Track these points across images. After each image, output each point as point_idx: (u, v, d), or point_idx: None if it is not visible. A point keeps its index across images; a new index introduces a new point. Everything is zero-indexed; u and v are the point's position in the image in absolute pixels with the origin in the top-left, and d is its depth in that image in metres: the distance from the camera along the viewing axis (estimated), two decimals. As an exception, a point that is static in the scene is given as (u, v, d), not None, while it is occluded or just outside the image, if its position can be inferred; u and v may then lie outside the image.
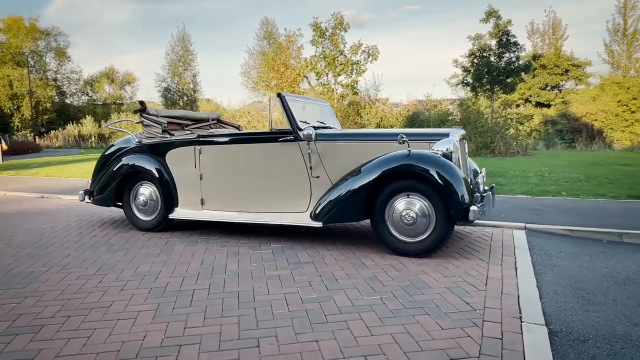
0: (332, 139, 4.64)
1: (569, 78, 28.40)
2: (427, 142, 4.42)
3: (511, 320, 2.84)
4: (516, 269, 3.87)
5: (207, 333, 2.70)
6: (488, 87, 15.66)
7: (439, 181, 3.96)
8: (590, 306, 3.11)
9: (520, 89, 25.91)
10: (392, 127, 15.60)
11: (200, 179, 5.03)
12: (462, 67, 16.35)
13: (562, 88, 28.76)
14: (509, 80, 15.13)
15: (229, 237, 5.00)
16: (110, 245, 4.74)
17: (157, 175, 5.15)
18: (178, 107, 27.69)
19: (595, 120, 22.27)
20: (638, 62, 27.04)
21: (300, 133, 4.58)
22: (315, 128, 4.66)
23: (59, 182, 10.37)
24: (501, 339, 2.59)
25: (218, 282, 3.59)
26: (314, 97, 5.32)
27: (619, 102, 22.59)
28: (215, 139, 4.99)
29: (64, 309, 3.09)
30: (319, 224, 4.44)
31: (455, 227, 5.12)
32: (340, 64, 17.04)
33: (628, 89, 22.46)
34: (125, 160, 5.34)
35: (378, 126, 15.96)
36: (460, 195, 3.92)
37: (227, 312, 2.99)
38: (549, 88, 28.66)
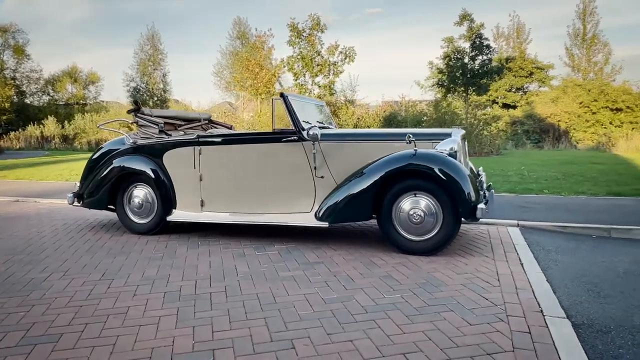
0: (338, 139, 4.65)
1: (533, 80, 29.44)
2: (430, 142, 4.49)
3: (533, 314, 2.92)
4: (522, 264, 3.98)
5: (237, 336, 2.66)
6: (462, 88, 16.08)
7: (447, 180, 4.03)
8: (601, 299, 3.23)
9: (488, 90, 26.64)
10: (369, 127, 15.79)
11: (200, 180, 4.93)
12: (438, 68, 16.69)
13: (526, 90, 29.76)
14: (483, 81, 15.58)
15: (229, 239, 4.93)
16: (107, 250, 4.59)
17: (153, 176, 5.02)
18: (148, 107, 26.97)
19: (559, 120, 23.17)
20: (597, 66, 28.34)
21: (306, 133, 4.58)
22: (320, 128, 4.66)
23: (33, 185, 9.94)
24: (529, 333, 2.66)
25: (233, 284, 3.53)
26: (310, 97, 5.31)
27: (580, 103, 23.57)
28: (216, 139, 4.91)
29: (79, 316, 2.97)
30: (325, 224, 4.44)
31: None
32: (318, 65, 17.08)
33: (589, 91, 23.48)
34: (119, 162, 5.17)
35: (355, 127, 16.11)
36: (468, 194, 4.01)
37: (252, 315, 2.95)
38: (514, 90, 29.62)
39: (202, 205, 4.96)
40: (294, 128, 4.66)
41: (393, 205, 4.24)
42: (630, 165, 11.36)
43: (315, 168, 4.61)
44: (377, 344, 2.54)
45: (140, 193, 5.15)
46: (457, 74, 15.43)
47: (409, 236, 4.23)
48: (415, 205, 4.17)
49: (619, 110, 22.52)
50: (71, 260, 4.23)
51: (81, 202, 5.50)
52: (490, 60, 15.67)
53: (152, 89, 27.71)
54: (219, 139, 4.91)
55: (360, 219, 4.46)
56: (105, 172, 5.20)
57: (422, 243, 4.20)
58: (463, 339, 2.59)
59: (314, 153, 4.57)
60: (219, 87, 26.29)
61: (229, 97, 26.56)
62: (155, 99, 28.06)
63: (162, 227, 5.11)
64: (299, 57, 17.14)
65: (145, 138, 5.18)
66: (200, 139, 4.92)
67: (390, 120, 16.51)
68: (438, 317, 2.88)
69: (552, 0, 48.80)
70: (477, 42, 15.56)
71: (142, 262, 4.16)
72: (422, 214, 4.14)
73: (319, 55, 17.14)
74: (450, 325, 2.76)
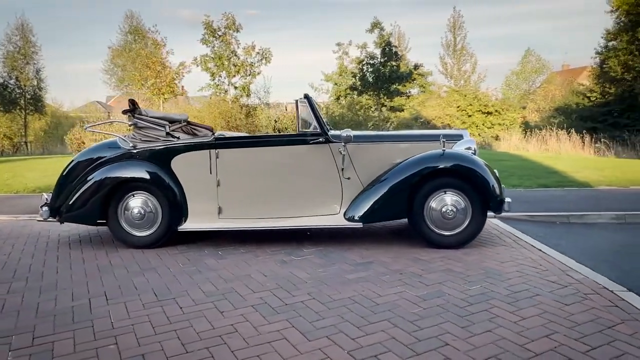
0: (366, 140, 4.72)
1: (414, 86, 32.13)
2: (447, 142, 4.80)
3: (602, 290, 3.35)
4: (540, 250, 4.48)
5: (383, 340, 2.63)
6: (375, 92, 17.01)
7: (477, 177, 4.38)
8: (629, 272, 3.83)
9: (400, 94, 28.10)
10: (286, 129, 15.86)
11: (218, 185, 4.61)
12: (352, 72, 17.43)
13: (409, 94, 32.39)
14: (394, 87, 16.67)
15: (245, 245, 4.69)
16: (124, 268, 4.06)
17: (159, 184, 4.57)
18: (18, 107, 23.50)
19: (442, 123, 25.69)
20: (466, 74, 32.00)
21: (334, 135, 4.59)
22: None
23: None
24: (616, 306, 3.07)
25: (312, 290, 3.43)
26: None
27: (458, 107, 26.40)
28: (236, 142, 4.63)
29: (188, 341, 2.66)
30: (359, 224, 4.49)
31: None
32: (234, 65, 16.60)
33: (465, 96, 26.44)
34: (116, 169, 4.59)
35: (274, 129, 16.03)
36: (495, 189, 4.40)
37: (373, 318, 2.93)
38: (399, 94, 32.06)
39: (219, 213, 4.64)
40: (319, 130, 4.63)
41: (425, 202, 4.46)
42: (531, 161, 13.09)
43: (342, 169, 4.63)
44: (515, 330, 2.73)
45: (140, 202, 4.64)
46: (369, 79, 16.31)
47: (439, 231, 4.49)
48: (447, 202, 4.44)
49: (489, 113, 25.73)
50: (95, 283, 3.68)
51: (59, 217, 4.76)
52: (398, 66, 16.87)
53: (24, 85, 24.14)
54: (239, 142, 4.65)
55: (394, 218, 4.61)
56: (96, 181, 4.57)
57: (452, 237, 4.48)
58: (576, 317, 2.90)
59: (343, 155, 4.59)
60: (109, 85, 24.01)
61: (121, 95, 24.38)
62: (29, 96, 24.56)
63: (167, 239, 4.68)
64: (212, 56, 16.48)
65: (147, 141, 4.67)
66: (218, 142, 4.61)
67: (310, 122, 16.72)
68: (536, 301, 3.16)
69: (428, 14, 54.26)
70: (387, 49, 16.64)
71: (183, 277, 3.79)
72: (455, 210, 4.43)
73: (234, 55, 16.71)
74: (555, 308, 3.05)
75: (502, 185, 4.84)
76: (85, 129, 5.19)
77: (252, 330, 2.80)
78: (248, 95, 17.07)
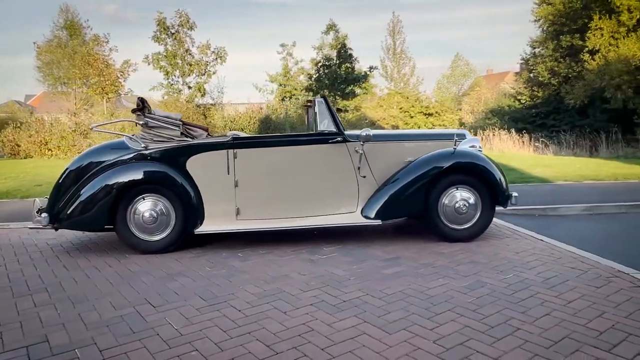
0: (381, 139, 4.82)
1: (357, 87, 32.81)
2: (450, 141, 5.04)
3: (619, 273, 3.70)
4: (541, 240, 4.83)
5: (459, 328, 2.75)
6: (331, 93, 17.18)
7: (488, 174, 4.65)
8: (630, 256, 4.24)
9: (356, 96, 28.33)
10: (242, 130, 15.56)
11: (236, 186, 4.51)
12: (308, 74, 17.48)
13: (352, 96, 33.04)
14: (350, 88, 16.94)
15: (265, 246, 4.63)
16: (148, 274, 3.88)
17: (174, 185, 4.39)
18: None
19: (387, 124, 26.50)
20: (405, 77, 33.20)
21: (350, 134, 4.65)
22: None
23: None
24: (638, 287, 3.42)
25: (362, 286, 3.47)
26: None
27: (400, 109, 27.35)
28: (255, 142, 4.55)
29: (271, 343, 2.62)
30: (377, 222, 4.60)
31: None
32: (189, 64, 16.00)
33: (407, 98, 27.45)
34: (129, 170, 4.35)
35: (229, 129, 15.66)
36: (503, 185, 4.69)
37: (440, 308, 3.04)
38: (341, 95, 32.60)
39: (237, 214, 4.54)
40: (335, 129, 4.68)
41: (439, 198, 4.66)
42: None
43: (359, 168, 4.71)
44: (569, 312, 2.96)
45: (151, 206, 4.43)
46: (325, 81, 16.47)
47: (452, 225, 4.70)
48: (460, 197, 4.66)
49: (430, 115, 26.89)
50: (127, 291, 3.49)
51: (57, 224, 4.43)
52: (353, 68, 17.19)
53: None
54: (258, 141, 4.58)
55: (412, 214, 4.76)
56: (107, 184, 4.30)
57: (464, 231, 4.71)
58: (612, 297, 3.19)
59: (361, 154, 4.67)
60: (44, 83, 22.18)
61: (48, 92, 22.62)
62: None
63: (181, 242, 4.52)
64: (165, 54, 15.78)
65: (160, 141, 4.47)
66: (236, 142, 4.51)
67: (267, 122, 16.60)
68: (570, 286, 3.42)
69: (365, 17, 55.64)
70: (343, 51, 16.89)
71: (219, 280, 3.70)
72: (467, 205, 4.65)
73: (188, 53, 16.11)
74: (591, 292, 3.32)
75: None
76: (92, 128, 4.85)
77: (327, 328, 2.81)
78: (203, 95, 16.60)
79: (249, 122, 15.70)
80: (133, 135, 4.64)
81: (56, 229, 4.67)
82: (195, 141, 4.53)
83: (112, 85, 16.83)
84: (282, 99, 24.97)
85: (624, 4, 18.96)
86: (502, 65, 78.97)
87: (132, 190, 4.40)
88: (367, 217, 4.63)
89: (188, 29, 16.00)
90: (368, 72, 18.32)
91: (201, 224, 4.49)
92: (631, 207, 6.72)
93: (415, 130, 5.12)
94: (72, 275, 3.91)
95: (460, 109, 30.30)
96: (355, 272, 3.84)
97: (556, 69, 22.72)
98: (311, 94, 18.39)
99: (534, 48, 26.54)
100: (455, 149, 4.73)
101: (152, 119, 4.48)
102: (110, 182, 4.32)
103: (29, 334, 2.79)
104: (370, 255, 4.30)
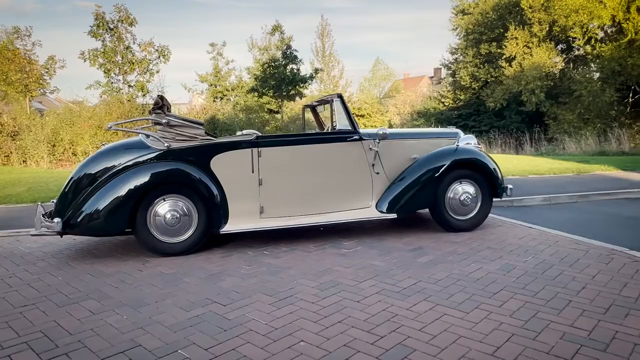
0: (394, 137, 5.07)
1: (304, 88, 33.00)
2: (446, 139, 5.44)
3: (616, 251, 4.27)
4: (531, 227, 5.37)
5: (527, 302, 3.07)
6: (277, 94, 17.12)
7: (488, 168, 5.09)
8: (613, 237, 4.88)
9: (253, 97, 28.41)
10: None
11: (260, 184, 4.52)
12: (254, 75, 17.23)
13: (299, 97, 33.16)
14: (297, 89, 17.00)
15: (287, 243, 4.70)
16: (190, 275, 3.80)
17: (200, 185, 4.31)
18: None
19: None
20: (335, 79, 33.95)
21: (364, 132, 4.86)
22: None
23: None
24: (638, 262, 3.99)
25: (409, 274, 3.69)
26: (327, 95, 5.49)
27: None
28: (278, 140, 4.58)
29: (407, 331, 2.76)
30: (393, 215, 4.86)
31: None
32: (130, 62, 15.03)
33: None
34: (153, 170, 4.19)
35: None
36: (500, 178, 5.16)
37: (494, 288, 3.34)
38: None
39: (261, 212, 4.55)
40: (351, 128, 4.86)
41: (446, 192, 5.02)
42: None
43: (373, 165, 4.93)
44: (600, 285, 3.41)
45: (173, 207, 4.31)
46: (271, 82, 16.39)
47: (457, 217, 5.09)
48: (463, 190, 5.05)
49: (362, 116, 27.83)
50: (182, 292, 3.42)
51: (71, 230, 4.16)
52: (299, 69, 17.33)
53: None
54: (281, 140, 4.61)
55: (423, 208, 5.06)
56: (128, 186, 4.12)
57: (467, 221, 5.11)
58: (624, 271, 3.71)
59: (376, 151, 4.90)
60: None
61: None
62: None
63: (204, 243, 4.45)
64: (102, 51, 14.69)
65: (182, 140, 4.35)
66: (260, 140, 4.51)
67: (214, 122, 16.13)
68: (584, 264, 3.91)
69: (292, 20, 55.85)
70: (288, 52, 16.94)
71: (270, 277, 3.73)
72: (471, 197, 5.06)
73: (128, 50, 15.16)
74: (602, 266, 3.83)
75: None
76: (109, 128, 4.55)
77: (409, 312, 2.99)
78: (144, 95, 15.78)
79: None
80: (149, 133, 4.46)
81: (62, 236, 4.38)
82: (220, 140, 4.49)
83: (37, 83, 15.42)
84: (214, 100, 24.49)
85: (535, 16, 21.07)
86: (417, 69, 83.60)
87: (155, 191, 4.26)
88: (382, 212, 4.87)
89: (128, 24, 15.16)
90: (314, 74, 18.59)
91: (226, 223, 4.46)
92: (580, 197, 7.61)
93: (420, 130, 5.45)
94: (105, 281, 3.71)
95: (387, 111, 31.63)
96: (392, 262, 4.06)
97: (476, 74, 24.61)
98: (256, 95, 18.28)
99: (453, 54, 28.56)
100: (457, 146, 5.12)
101: (174, 117, 4.36)
102: (134, 183, 4.14)
103: (114, 340, 2.68)
104: (393, 247, 4.54)
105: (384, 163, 5.01)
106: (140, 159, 4.28)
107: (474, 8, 25.90)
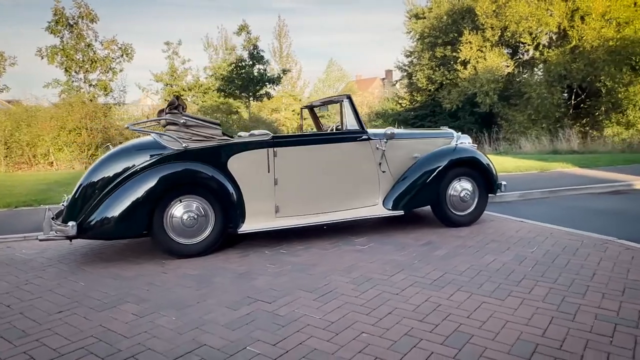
0: (400, 137, 5.24)
1: (271, 89, 32.75)
2: (441, 139, 5.69)
3: (609, 240, 4.65)
4: (521, 221, 5.73)
5: (554, 288, 3.33)
6: (245, 94, 16.92)
7: (485, 166, 5.38)
8: (599, 229, 5.29)
9: (212, 97, 28.02)
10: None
11: (275, 184, 4.55)
12: (222, 75, 16.93)
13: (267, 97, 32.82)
14: (264, 89, 16.88)
15: (300, 242, 4.77)
16: (216, 277, 3.80)
17: (218, 185, 4.29)
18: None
19: (283, 125, 26.97)
20: (292, 80, 33.98)
21: (372, 132, 5.02)
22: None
23: None
24: (630, 248, 4.37)
25: (433, 267, 3.87)
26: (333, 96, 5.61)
27: (293, 111, 28.06)
28: (293, 140, 4.63)
29: (456, 318, 2.90)
30: (400, 212, 5.04)
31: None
32: (91, 60, 14.29)
33: (300, 100, 28.26)
34: (171, 171, 4.13)
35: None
36: (495, 175, 5.47)
37: (517, 276, 3.58)
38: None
39: (276, 212, 4.59)
40: (359, 128, 5.00)
41: (447, 189, 5.26)
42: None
43: (379, 164, 5.09)
44: (607, 272, 3.73)
45: (189, 207, 4.28)
46: (237, 82, 16.18)
47: (457, 212, 5.35)
48: (462, 187, 5.31)
49: (322, 117, 28.07)
50: (220, 292, 3.43)
51: (84, 234, 4.03)
52: (265, 70, 17.21)
53: None
54: (296, 140, 4.66)
55: (428, 204, 5.26)
56: (146, 187, 4.04)
57: (466, 217, 5.38)
58: (621, 257, 4.07)
59: (383, 150, 5.06)
60: None
61: None
62: None
63: (220, 244, 4.43)
64: (62, 47, 13.89)
65: (199, 141, 4.30)
66: (276, 140, 4.54)
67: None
68: (586, 252, 4.25)
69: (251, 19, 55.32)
70: (255, 53, 16.79)
71: (300, 274, 3.79)
72: (469, 194, 5.34)
73: (90, 48, 14.41)
74: (601, 254, 4.17)
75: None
76: (128, 127, 4.37)
77: (450, 302, 3.16)
78: (107, 94, 15.10)
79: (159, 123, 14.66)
80: (163, 133, 4.38)
81: (71, 240, 4.24)
82: (236, 140, 4.48)
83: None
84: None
85: (488, 22, 22.10)
86: (369, 71, 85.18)
87: (172, 192, 4.21)
88: (389, 209, 5.04)
89: (90, 21, 14.48)
90: (282, 74, 18.54)
91: (243, 223, 4.46)
92: (550, 192, 8.15)
93: (419, 130, 5.65)
94: (132, 284, 3.64)
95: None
96: (412, 256, 4.23)
97: (432, 76, 25.48)
98: (222, 95, 18.01)
99: (408, 57, 29.43)
100: (457, 145, 5.39)
101: (191, 117, 4.31)
102: (153, 184, 4.08)
103: (175, 341, 2.66)
104: (404, 243, 4.71)
105: (389, 162, 5.18)
106: (157, 160, 4.21)
107: (428, 12, 26.81)
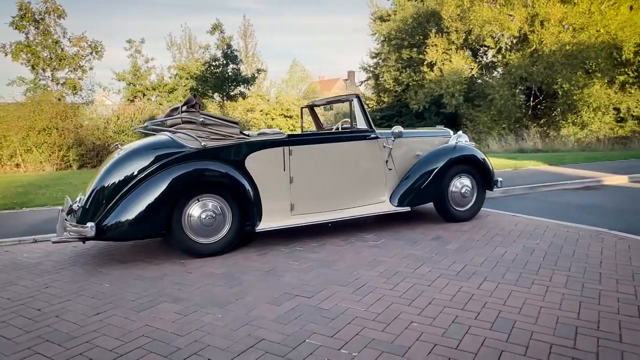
0: (406, 136, 5.38)
1: (246, 89, 32.26)
2: (438, 138, 5.89)
3: (603, 232, 4.97)
4: (515, 215, 6.01)
5: (571, 276, 3.55)
6: (219, 94, 16.66)
7: (481, 163, 5.62)
8: (585, 221, 5.63)
9: (245, 97, 27.12)
10: (122, 131, 14.06)
11: (291, 182, 4.59)
12: (194, 74, 16.54)
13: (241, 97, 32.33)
14: (238, 89, 16.67)
15: (312, 239, 4.82)
16: (243, 275, 3.81)
17: (237, 183, 4.29)
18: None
19: (253, 125, 26.75)
20: (258, 80, 33.78)
21: (382, 132, 5.15)
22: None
23: None
24: (624, 238, 4.69)
25: (451, 259, 4.03)
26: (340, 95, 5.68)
27: (261, 111, 27.91)
28: (308, 138, 4.67)
29: (495, 305, 3.04)
30: (407, 208, 5.19)
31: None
32: (59, 58, 13.60)
33: (268, 100, 28.14)
34: (190, 169, 4.09)
35: (113, 131, 13.90)
36: (492, 171, 5.72)
37: (533, 266, 3.78)
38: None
39: (291, 209, 4.63)
40: (367, 127, 5.11)
41: (449, 185, 5.46)
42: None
43: (387, 162, 5.22)
44: (611, 260, 4.01)
45: (207, 206, 4.25)
46: (211, 81, 15.92)
47: (457, 208, 5.56)
48: (463, 184, 5.53)
49: (290, 117, 28.06)
50: (254, 290, 3.45)
51: (103, 235, 3.94)
52: (239, 69, 17.01)
53: None
54: (310, 138, 4.71)
55: (433, 200, 5.42)
56: (167, 185, 3.99)
57: (465, 212, 5.60)
58: (619, 246, 4.37)
59: (390, 149, 5.19)
60: None
61: None
62: None
63: (237, 242, 4.44)
64: (27, 44, 13.16)
65: (217, 139, 4.28)
66: (291, 139, 4.58)
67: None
68: (587, 242, 4.53)
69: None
70: (229, 52, 16.55)
71: (327, 270, 3.86)
72: (469, 190, 5.56)
73: (58, 45, 13.72)
74: (599, 244, 4.46)
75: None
76: (147, 125, 4.25)
77: (481, 292, 3.31)
78: (75, 93, 14.48)
79: (133, 121, 14.20)
80: (178, 132, 4.33)
81: (85, 242, 4.14)
82: (253, 139, 4.49)
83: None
84: (132, 100, 23.28)
85: (453, 25, 22.81)
86: (331, 72, 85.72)
87: (191, 191, 4.17)
88: (396, 205, 5.18)
89: (57, 16, 13.85)
90: (256, 74, 18.41)
91: (260, 221, 4.48)
92: (530, 188, 8.56)
93: (419, 129, 5.82)
94: (160, 284, 3.60)
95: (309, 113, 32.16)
96: (427, 250, 4.38)
97: (399, 78, 26.00)
98: (195, 94, 17.74)
99: (374, 58, 29.92)
100: (457, 143, 5.60)
101: (209, 116, 4.29)
102: (174, 182, 4.03)
103: (231, 337, 2.68)
104: (414, 238, 4.86)
105: (394, 160, 5.33)
106: (176, 158, 4.16)
107: (394, 14, 27.33)
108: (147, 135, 5.15)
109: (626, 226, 5.25)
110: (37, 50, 13.71)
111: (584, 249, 4.33)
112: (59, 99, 13.91)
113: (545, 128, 22.67)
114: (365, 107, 5.20)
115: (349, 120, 5.52)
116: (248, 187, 4.38)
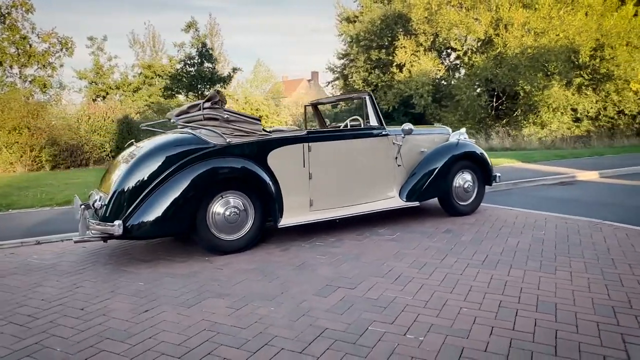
0: (414, 133, 5.52)
1: (222, 88, 31.62)
2: (437, 135, 6.09)
3: (600, 222, 5.29)
4: (511, 209, 6.29)
5: (588, 262, 3.79)
6: (194, 93, 16.32)
7: (481, 159, 5.86)
8: (577, 213, 5.97)
9: (142, 96, 26.80)
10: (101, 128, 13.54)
11: (310, 178, 4.64)
12: (170, 74, 16.14)
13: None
14: (214, 89, 16.38)
15: (329, 234, 4.90)
16: (278, 270, 3.84)
17: (260, 180, 4.30)
18: None
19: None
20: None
21: (392, 129, 5.28)
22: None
23: None
24: (620, 228, 5.03)
25: (470, 250, 4.21)
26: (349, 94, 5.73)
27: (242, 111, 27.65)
28: (326, 135, 4.73)
29: (531, 290, 3.20)
30: (416, 203, 5.36)
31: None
32: (27, 55, 12.89)
33: (237, 100, 27.88)
34: (216, 165, 4.07)
35: (86, 130, 13.34)
36: (491, 167, 5.98)
37: (549, 254, 4.01)
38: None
39: (310, 205, 4.68)
40: (378, 124, 5.23)
41: (453, 181, 5.67)
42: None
43: (396, 158, 5.36)
44: (615, 247, 4.30)
45: (230, 203, 4.25)
46: (185, 80, 15.62)
47: (461, 202, 5.77)
48: (465, 179, 5.75)
49: (260, 117, 27.95)
50: (293, 284, 3.50)
51: (129, 233, 3.87)
52: (214, 68, 16.74)
53: None
54: (329, 135, 4.77)
55: (438, 195, 5.60)
56: (192, 182, 3.97)
57: (467, 206, 5.83)
58: (619, 235, 4.68)
59: (399, 145, 5.33)
60: None
61: None
62: None
63: (259, 239, 4.45)
64: None
65: (240, 136, 4.27)
66: (310, 135, 4.63)
67: (128, 122, 14.61)
68: (588, 233, 4.83)
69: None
70: (204, 50, 16.27)
71: (356, 262, 3.95)
72: (471, 185, 5.78)
73: (26, 41, 13.02)
74: (600, 233, 4.77)
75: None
76: (174, 121, 4.14)
77: (512, 278, 3.49)
78: (44, 92, 13.82)
79: (104, 121, 13.67)
80: (199, 129, 4.29)
81: (106, 241, 4.05)
82: (275, 135, 4.51)
83: None
84: (94, 99, 22.56)
85: (421, 27, 23.39)
86: (294, 73, 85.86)
87: (216, 188, 4.16)
88: (405, 200, 5.33)
89: (25, 11, 13.19)
90: (232, 73, 18.20)
91: (281, 217, 4.51)
92: (513, 184, 8.95)
93: (422, 127, 5.98)
94: (195, 281, 3.58)
95: (281, 112, 32.19)
96: (445, 242, 4.54)
97: (368, 78, 26.41)
98: (168, 94, 17.30)
99: (341, 59, 30.26)
100: (458, 140, 5.81)
101: (232, 114, 4.28)
102: (201, 179, 4.01)
103: (295, 328, 2.72)
104: (427, 232, 5.02)
105: (402, 156, 5.48)
106: (201, 155, 4.13)
107: (361, 15, 27.72)
108: (154, 133, 5.09)
109: (615, 217, 5.61)
110: (4, 46, 13.05)
111: (588, 237, 4.62)
112: (28, 98, 13.31)
113: (507, 128, 23.63)
114: (377, 104, 5.32)
115: (358, 117, 5.64)
116: (271, 183, 4.41)
